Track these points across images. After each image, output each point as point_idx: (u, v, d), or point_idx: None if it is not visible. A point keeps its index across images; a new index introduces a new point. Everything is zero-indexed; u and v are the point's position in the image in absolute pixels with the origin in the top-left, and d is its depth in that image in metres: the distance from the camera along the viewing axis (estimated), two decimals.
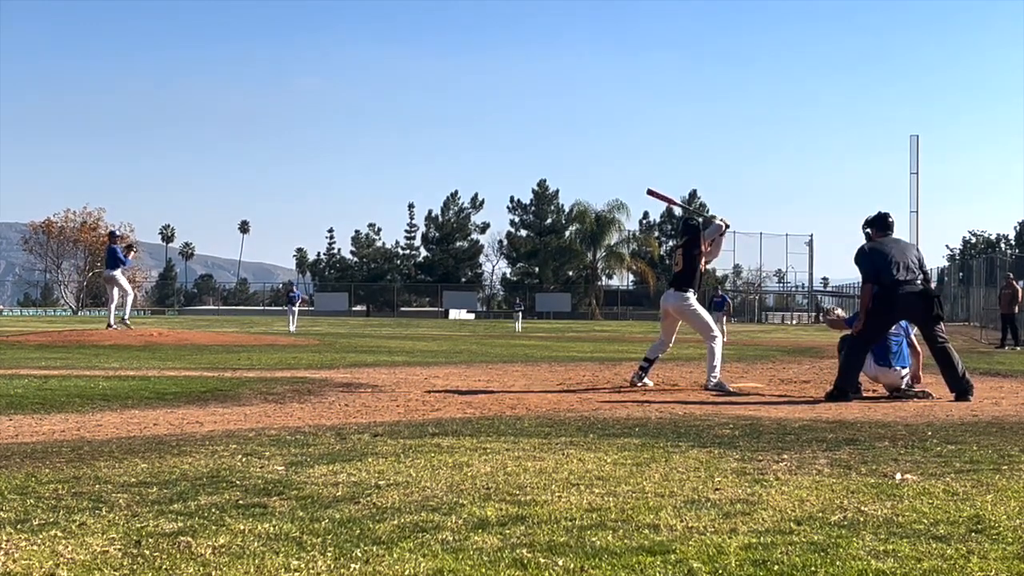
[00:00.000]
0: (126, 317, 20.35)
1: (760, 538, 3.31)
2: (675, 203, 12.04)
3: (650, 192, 11.36)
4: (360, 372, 12.24)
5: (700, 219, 10.75)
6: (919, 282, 8.92)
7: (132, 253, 22.23)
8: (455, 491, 4.14)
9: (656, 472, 4.63)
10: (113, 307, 20.50)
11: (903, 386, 9.11)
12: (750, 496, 4.04)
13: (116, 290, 20.56)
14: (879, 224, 9.39)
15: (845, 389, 8.83)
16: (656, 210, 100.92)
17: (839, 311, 11.15)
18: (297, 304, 37.46)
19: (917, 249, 9.33)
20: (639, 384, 10.14)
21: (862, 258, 9.18)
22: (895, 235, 9.38)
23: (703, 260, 10.25)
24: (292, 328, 33.38)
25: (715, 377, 9.81)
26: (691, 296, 10.13)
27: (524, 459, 5.02)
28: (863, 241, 9.56)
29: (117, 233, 23.17)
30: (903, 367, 9.14)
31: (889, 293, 8.86)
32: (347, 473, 4.59)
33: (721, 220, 10.46)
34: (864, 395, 9.08)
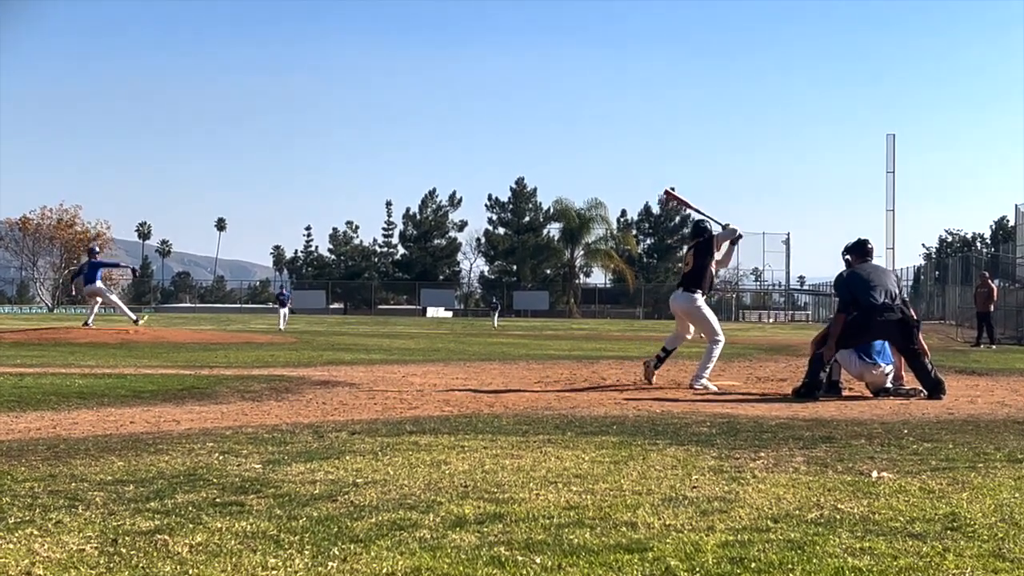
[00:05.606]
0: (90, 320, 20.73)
1: (737, 536, 3.33)
2: (692, 207, 10.83)
3: (668, 194, 11.24)
4: (337, 370, 12.20)
5: (717, 224, 10.47)
6: (897, 309, 9.01)
7: (99, 254, 22.76)
8: (433, 489, 4.14)
9: (634, 470, 4.65)
10: (95, 312, 21.12)
11: (888, 385, 9.11)
12: (727, 494, 4.06)
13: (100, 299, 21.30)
14: (858, 250, 9.55)
15: (812, 386, 8.86)
16: (634, 208, 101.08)
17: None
18: (288, 304, 37.62)
19: (896, 275, 9.51)
20: (655, 371, 10.28)
21: (841, 285, 9.37)
22: (874, 261, 9.56)
23: (715, 265, 10.31)
24: (282, 327, 33.28)
25: (703, 378, 9.85)
26: (699, 297, 10.14)
27: (502, 457, 5.03)
28: (842, 264, 9.70)
29: (96, 250, 23.32)
30: (888, 364, 9.16)
31: (867, 316, 8.94)
32: (324, 471, 4.59)
33: (735, 227, 10.37)
34: (843, 395, 9.09)
